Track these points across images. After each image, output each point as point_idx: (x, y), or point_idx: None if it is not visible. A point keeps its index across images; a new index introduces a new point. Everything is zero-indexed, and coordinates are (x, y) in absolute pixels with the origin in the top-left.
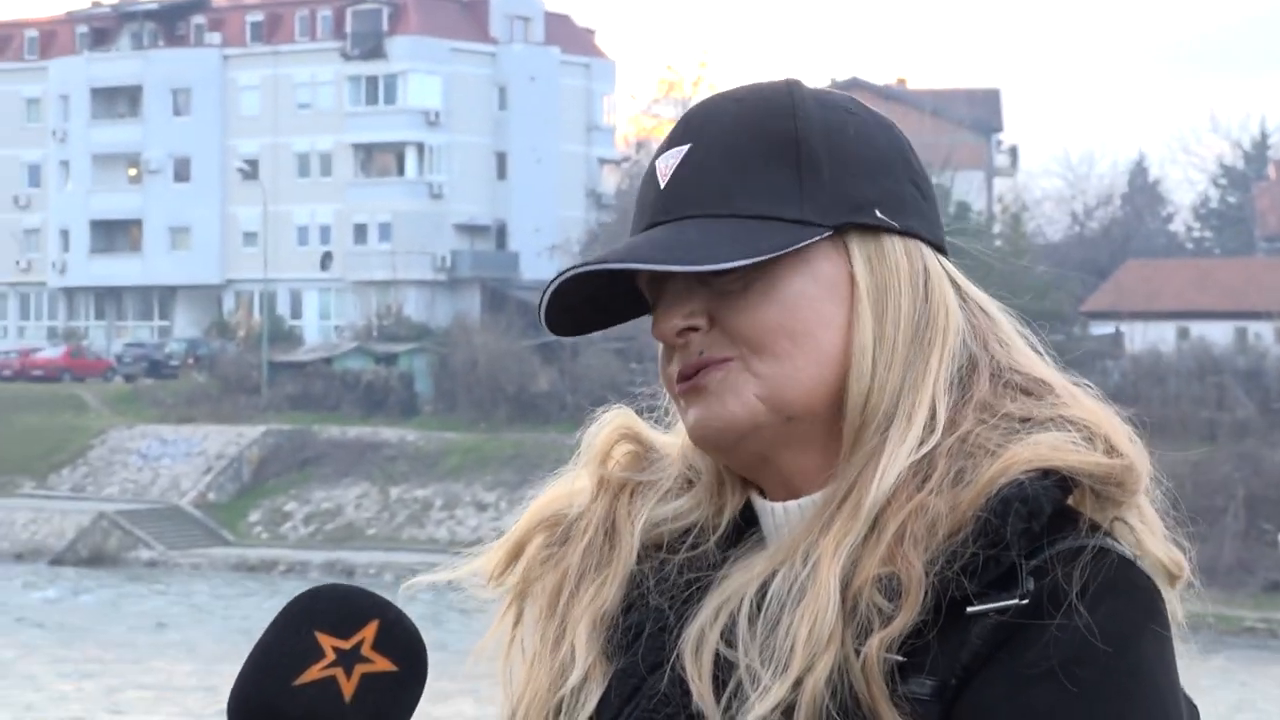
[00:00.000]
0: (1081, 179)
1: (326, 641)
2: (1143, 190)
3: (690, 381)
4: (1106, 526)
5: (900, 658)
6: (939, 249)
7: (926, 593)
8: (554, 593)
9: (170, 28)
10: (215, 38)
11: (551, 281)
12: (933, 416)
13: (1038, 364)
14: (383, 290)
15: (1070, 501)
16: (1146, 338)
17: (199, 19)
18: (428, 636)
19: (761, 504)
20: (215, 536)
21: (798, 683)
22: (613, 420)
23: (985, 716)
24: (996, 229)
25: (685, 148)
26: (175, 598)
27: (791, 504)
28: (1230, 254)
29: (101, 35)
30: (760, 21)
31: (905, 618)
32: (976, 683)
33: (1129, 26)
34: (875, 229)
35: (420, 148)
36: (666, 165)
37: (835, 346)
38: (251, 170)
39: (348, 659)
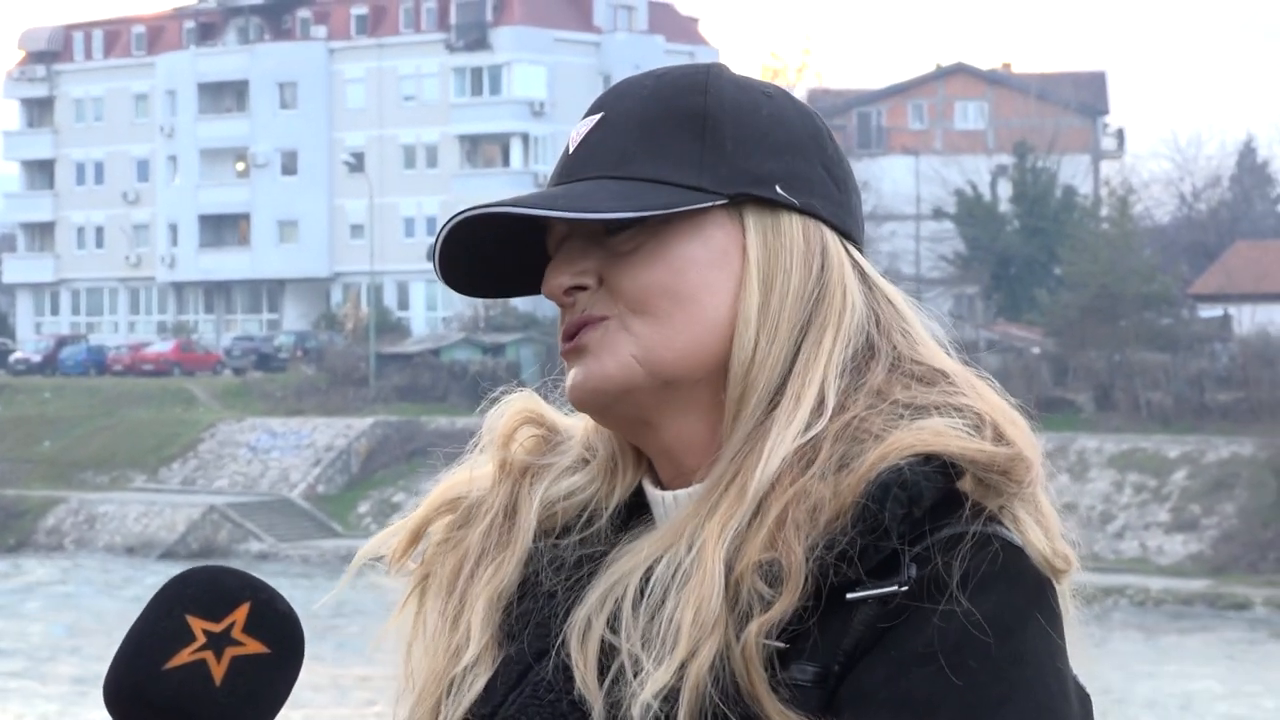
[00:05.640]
0: (1189, 161)
1: (197, 624)
2: (1251, 171)
3: (572, 341)
4: (994, 513)
5: (781, 644)
6: (848, 236)
7: (807, 579)
8: (454, 573)
9: (276, 22)
10: (320, 31)
11: (442, 228)
12: (821, 400)
13: (940, 356)
14: None
15: (961, 487)
16: (1255, 320)
17: (304, 13)
18: None
19: (653, 492)
20: (325, 528)
21: (681, 668)
22: (516, 404)
23: (865, 702)
24: (1103, 212)
25: (597, 117)
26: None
27: (681, 492)
28: None
29: (208, 30)
30: (863, 7)
31: (785, 604)
32: (858, 669)
33: (1235, 5)
34: (774, 204)
35: (525, 138)
36: (577, 133)
37: (720, 314)
38: (358, 163)
39: (218, 642)
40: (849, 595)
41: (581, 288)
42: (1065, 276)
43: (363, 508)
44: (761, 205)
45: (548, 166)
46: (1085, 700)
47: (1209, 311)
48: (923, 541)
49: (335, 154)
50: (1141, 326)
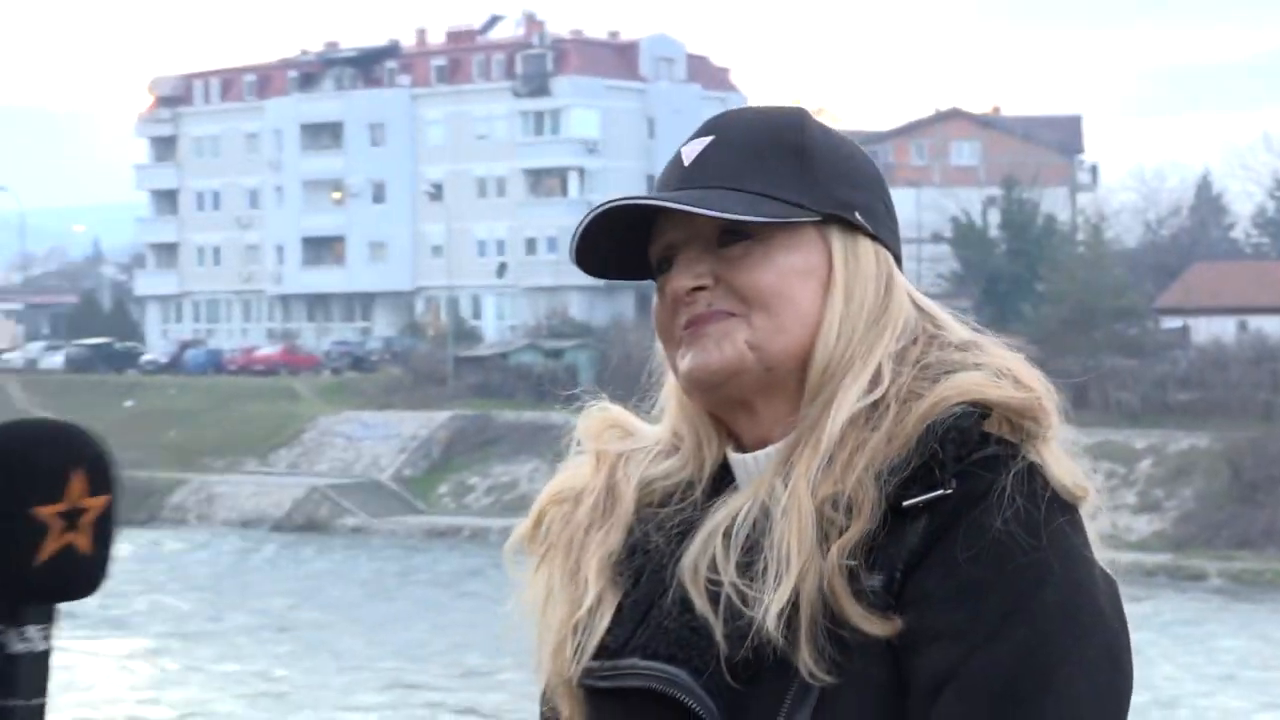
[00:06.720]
0: (1154, 192)
1: (46, 513)
2: (1207, 202)
3: (696, 328)
4: (1022, 445)
5: (854, 562)
6: (897, 259)
7: (878, 503)
8: (569, 543)
9: (367, 71)
10: (405, 79)
11: (588, 215)
12: (878, 373)
13: (967, 333)
14: (550, 295)
15: (992, 428)
16: (1210, 330)
17: (391, 63)
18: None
19: (735, 457)
20: (409, 506)
21: (795, 588)
22: (600, 410)
23: (926, 600)
24: (1079, 237)
25: (709, 139)
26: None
27: (760, 453)
28: None
29: (309, 79)
30: (872, 58)
31: (859, 527)
32: (918, 573)
33: (1186, 57)
34: (854, 229)
35: (581, 172)
36: (690, 150)
37: (811, 317)
38: (437, 193)
39: (71, 517)
40: (904, 503)
41: (702, 288)
42: (1046, 293)
43: (443, 488)
44: (845, 228)
45: (600, 195)
46: (1111, 583)
47: (1171, 323)
48: (967, 461)
49: (418, 185)
50: (1113, 336)
